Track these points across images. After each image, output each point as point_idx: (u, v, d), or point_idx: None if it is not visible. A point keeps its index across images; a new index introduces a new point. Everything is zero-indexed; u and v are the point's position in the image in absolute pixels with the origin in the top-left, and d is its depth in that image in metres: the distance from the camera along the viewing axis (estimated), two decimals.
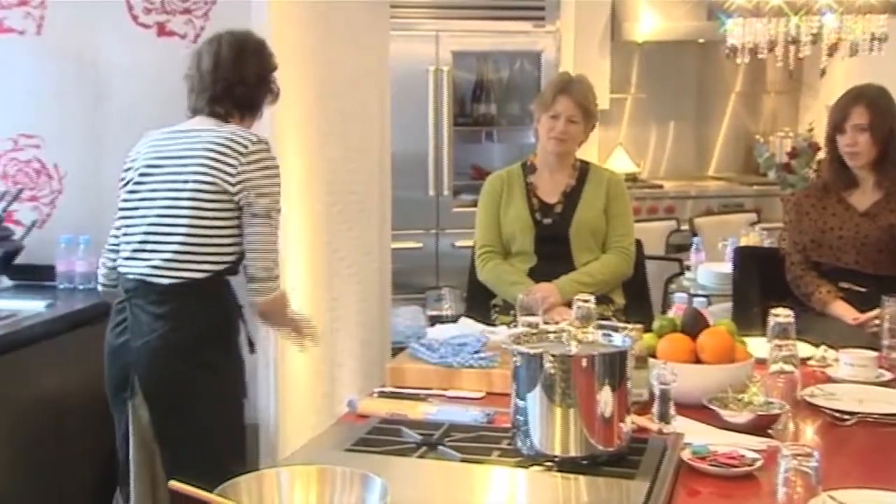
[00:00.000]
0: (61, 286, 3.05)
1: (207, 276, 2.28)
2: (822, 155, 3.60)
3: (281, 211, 2.34)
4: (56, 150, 3.18)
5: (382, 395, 2.13)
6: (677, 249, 4.90)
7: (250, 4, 2.92)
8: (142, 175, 2.38)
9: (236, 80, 2.38)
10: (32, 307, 2.78)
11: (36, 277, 3.06)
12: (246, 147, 2.28)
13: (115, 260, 2.42)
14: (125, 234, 2.38)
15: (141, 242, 2.33)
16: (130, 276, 2.33)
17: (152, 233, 2.31)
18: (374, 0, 3.53)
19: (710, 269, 4.09)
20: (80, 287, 3.04)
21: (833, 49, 4.26)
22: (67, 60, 3.13)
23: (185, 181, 2.29)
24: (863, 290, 2.96)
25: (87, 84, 3.12)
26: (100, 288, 2.54)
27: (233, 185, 2.27)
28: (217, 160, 2.28)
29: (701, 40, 5.99)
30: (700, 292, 3.85)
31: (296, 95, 3.04)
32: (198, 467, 2.23)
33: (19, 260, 3.08)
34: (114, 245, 2.44)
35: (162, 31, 3.07)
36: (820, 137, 3.68)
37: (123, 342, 2.33)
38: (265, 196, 2.28)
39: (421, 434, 1.75)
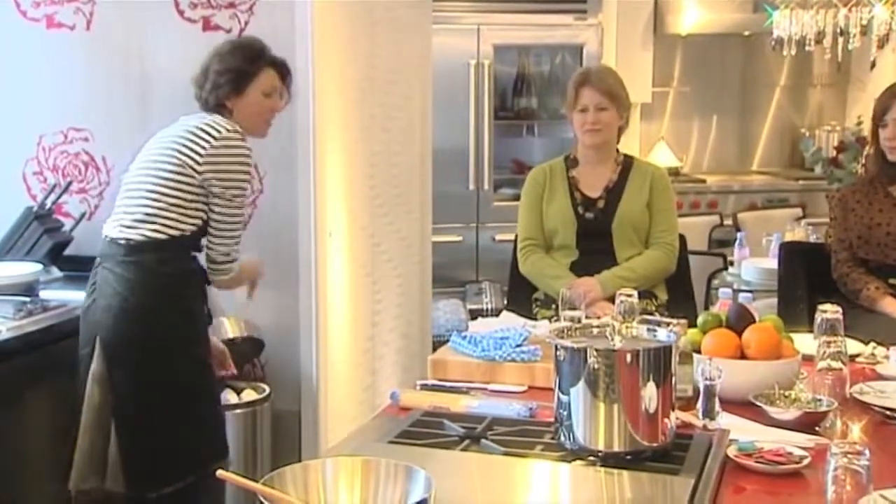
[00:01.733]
0: None
1: (167, 238, 2.45)
2: (868, 149, 3.54)
3: (245, 196, 2.52)
4: (104, 143, 3.23)
5: (425, 387, 2.14)
6: (720, 245, 4.85)
7: (294, 1, 2.94)
8: (137, 156, 2.59)
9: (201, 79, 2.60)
10: (81, 298, 2.82)
11: (85, 269, 3.10)
12: (219, 132, 2.47)
13: None
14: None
15: (117, 207, 2.55)
16: (104, 239, 2.54)
17: (126, 198, 2.53)
18: None
19: (754, 265, 4.04)
20: None
21: (883, 41, 4.18)
22: (115, 55, 3.17)
23: (161, 156, 2.49)
24: None
25: (135, 78, 3.16)
26: None
27: (199, 164, 2.44)
28: (191, 141, 2.47)
29: (746, 33, 5.91)
30: (744, 288, 3.81)
31: (338, 89, 3.05)
32: (161, 427, 2.37)
33: (69, 251, 3.14)
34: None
35: (207, 25, 3.10)
36: (868, 131, 3.62)
37: (90, 303, 2.51)
38: (228, 181, 2.46)
39: (464, 427, 1.76)
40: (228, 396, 2.90)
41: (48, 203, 3.16)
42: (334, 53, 2.99)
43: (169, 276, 2.47)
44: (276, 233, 3.08)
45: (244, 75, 2.55)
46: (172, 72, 3.13)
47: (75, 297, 2.78)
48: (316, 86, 2.92)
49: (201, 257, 2.56)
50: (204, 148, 2.45)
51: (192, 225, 2.48)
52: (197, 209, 2.48)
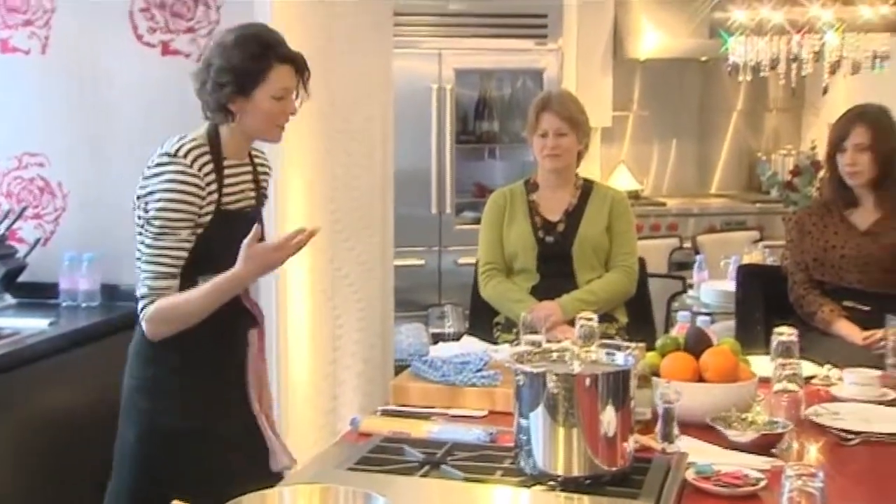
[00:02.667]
0: (64, 304, 3.05)
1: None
2: (823, 173, 3.61)
3: (162, 226, 2.06)
4: (60, 168, 3.19)
5: (385, 413, 2.13)
6: (680, 267, 4.89)
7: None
8: None
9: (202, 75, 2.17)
10: (35, 325, 2.78)
11: (39, 295, 3.06)
12: (152, 160, 2.12)
13: None
14: None
15: None
16: None
17: None
18: (377, 19, 3.55)
19: (713, 287, 4.08)
20: (83, 305, 3.04)
21: (835, 67, 4.28)
22: (71, 80, 3.14)
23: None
24: (866, 308, 2.95)
25: (91, 103, 3.13)
26: None
27: (135, 199, 2.12)
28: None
29: (703, 58, 6.01)
30: (703, 310, 3.85)
31: (298, 114, 3.04)
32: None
33: (23, 278, 3.08)
34: None
35: (166, 49, 3.09)
36: (822, 156, 3.69)
37: None
38: (144, 211, 2.09)
39: (424, 453, 1.75)
40: None
41: (1, 229, 3.11)
42: None
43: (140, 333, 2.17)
44: None
45: (250, 75, 2.11)
46: (131, 97, 3.11)
47: (29, 324, 2.74)
48: None
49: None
50: (140, 182, 2.13)
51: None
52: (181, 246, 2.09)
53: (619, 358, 1.74)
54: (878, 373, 2.30)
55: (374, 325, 3.63)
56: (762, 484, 1.66)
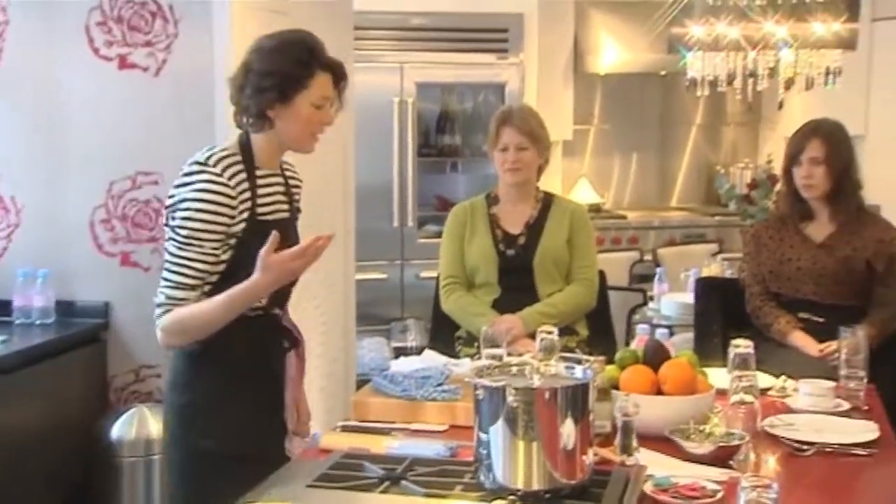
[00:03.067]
0: (18, 321, 3.00)
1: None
2: (779, 187, 3.67)
3: (187, 236, 2.00)
4: (13, 183, 3.14)
5: (345, 429, 2.11)
6: (641, 280, 4.94)
7: (213, 38, 2.93)
8: None
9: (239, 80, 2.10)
10: None
11: None
12: (191, 162, 2.05)
13: None
14: None
15: None
16: None
17: None
18: (338, 32, 3.55)
19: (673, 300, 4.12)
20: (37, 322, 3.00)
21: (789, 83, 4.36)
22: (26, 94, 3.11)
23: None
24: (821, 320, 3.00)
25: (47, 116, 3.10)
26: None
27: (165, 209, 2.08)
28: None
29: (662, 72, 6.08)
30: (663, 323, 3.89)
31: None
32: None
33: None
34: None
35: (123, 63, 3.06)
36: (778, 169, 3.75)
37: None
38: (170, 220, 2.04)
39: (383, 468, 1.74)
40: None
41: None
42: None
43: (180, 353, 2.11)
44: None
45: (292, 81, 2.05)
46: (87, 111, 3.08)
47: None
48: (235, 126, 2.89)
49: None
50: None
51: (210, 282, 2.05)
52: (216, 254, 2.04)
53: (579, 371, 1.75)
54: (832, 384, 2.33)
55: (336, 340, 3.62)
56: (719, 496, 1.67)
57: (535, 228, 3.10)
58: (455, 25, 5.40)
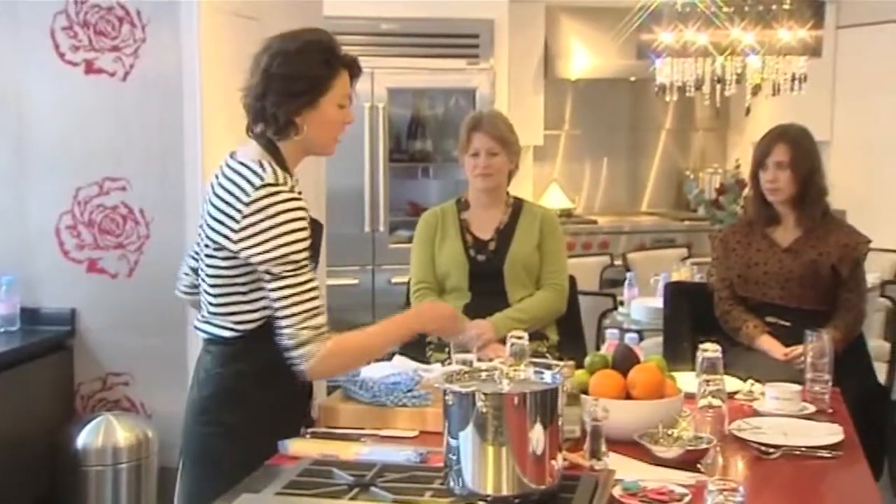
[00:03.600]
0: None
1: (234, 335, 2.00)
2: (747, 191, 3.70)
3: (304, 261, 1.92)
4: None
5: (314, 435, 2.10)
6: (611, 284, 4.96)
7: (181, 43, 2.91)
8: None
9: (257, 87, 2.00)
10: None
11: None
12: (248, 194, 1.91)
13: (192, 267, 2.15)
14: None
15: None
16: None
17: (202, 289, 2.08)
18: None
19: (643, 304, 4.15)
20: (2, 330, 2.97)
21: (756, 89, 4.41)
22: None
23: (206, 227, 2.00)
24: (787, 324, 3.03)
25: (11, 122, 3.07)
26: (178, 294, 2.25)
27: (234, 242, 1.92)
28: (225, 206, 1.94)
29: (632, 78, 6.13)
30: (633, 327, 3.90)
31: (228, 133, 3.02)
32: None
33: None
34: (195, 252, 2.12)
35: (90, 68, 3.03)
36: (746, 174, 3.79)
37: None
38: (271, 254, 1.90)
39: (353, 475, 1.73)
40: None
41: None
42: (224, 98, 2.97)
43: (227, 376, 2.02)
44: (162, 279, 2.99)
45: (321, 83, 1.97)
46: (52, 117, 3.05)
47: None
48: (205, 131, 2.88)
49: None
50: (236, 220, 1.92)
51: (256, 310, 1.98)
52: (256, 290, 1.96)
53: (548, 376, 1.75)
54: (799, 388, 2.35)
55: None
56: (686, 500, 1.68)
57: (505, 234, 3.10)
58: (426, 31, 5.41)
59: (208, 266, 2.00)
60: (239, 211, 1.91)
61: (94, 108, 3.04)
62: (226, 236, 1.93)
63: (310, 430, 2.14)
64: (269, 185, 1.92)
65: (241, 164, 1.97)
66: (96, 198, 3.07)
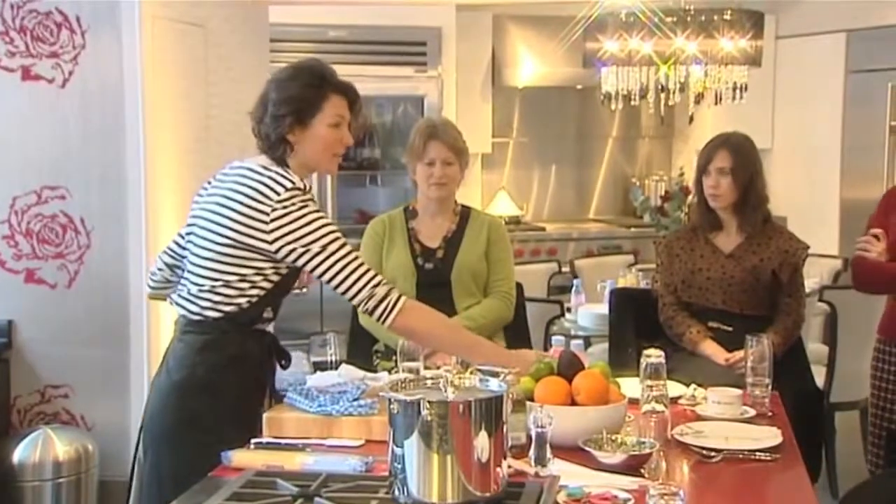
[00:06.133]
0: None
1: (216, 314, 2.20)
2: (691, 198, 3.76)
3: (336, 237, 2.19)
4: None
5: (259, 446, 2.08)
6: (559, 291, 4.99)
7: (122, 50, 2.87)
8: (193, 203, 2.31)
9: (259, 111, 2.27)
10: None
11: None
12: (278, 193, 2.15)
13: (166, 263, 2.37)
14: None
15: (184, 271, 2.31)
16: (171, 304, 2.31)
17: (188, 263, 2.28)
18: (253, 45, 3.52)
19: (590, 311, 4.18)
20: None
21: (699, 97, 4.48)
22: None
23: (218, 222, 2.20)
24: (729, 329, 3.08)
25: None
26: (146, 290, 2.47)
27: (270, 242, 2.16)
28: (242, 213, 2.16)
29: (579, 86, 6.19)
30: (580, 334, 3.94)
31: (173, 141, 2.98)
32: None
33: None
34: (171, 249, 2.37)
35: (27, 75, 2.97)
36: (690, 181, 3.85)
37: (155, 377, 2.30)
38: (307, 249, 2.17)
39: (297, 486, 1.72)
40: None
41: None
42: (167, 105, 2.93)
43: (202, 364, 2.21)
44: (104, 289, 2.95)
45: (308, 104, 2.22)
46: None
47: None
48: (147, 139, 2.85)
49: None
50: (264, 219, 2.15)
51: (251, 297, 2.22)
52: (257, 282, 2.21)
53: (494, 384, 1.75)
54: (740, 392, 2.39)
55: None
56: None
57: (452, 242, 3.11)
58: (373, 38, 5.40)
59: (204, 258, 2.20)
60: (272, 208, 2.14)
61: (31, 116, 2.99)
62: (251, 235, 2.15)
63: (254, 440, 2.11)
64: (298, 189, 2.18)
65: (267, 168, 2.20)
66: (34, 206, 3.01)
